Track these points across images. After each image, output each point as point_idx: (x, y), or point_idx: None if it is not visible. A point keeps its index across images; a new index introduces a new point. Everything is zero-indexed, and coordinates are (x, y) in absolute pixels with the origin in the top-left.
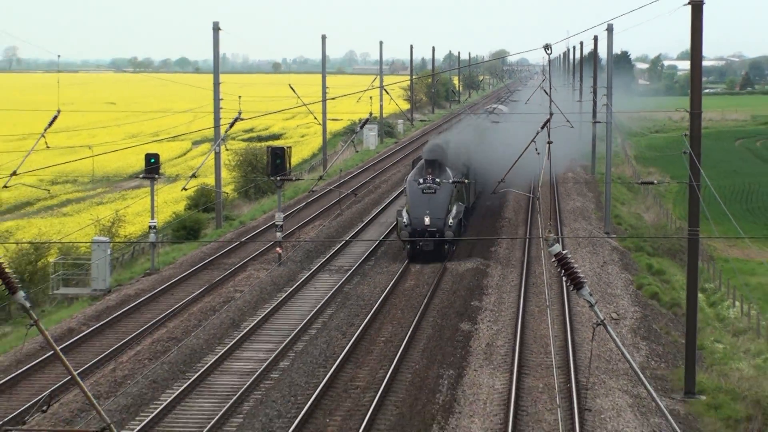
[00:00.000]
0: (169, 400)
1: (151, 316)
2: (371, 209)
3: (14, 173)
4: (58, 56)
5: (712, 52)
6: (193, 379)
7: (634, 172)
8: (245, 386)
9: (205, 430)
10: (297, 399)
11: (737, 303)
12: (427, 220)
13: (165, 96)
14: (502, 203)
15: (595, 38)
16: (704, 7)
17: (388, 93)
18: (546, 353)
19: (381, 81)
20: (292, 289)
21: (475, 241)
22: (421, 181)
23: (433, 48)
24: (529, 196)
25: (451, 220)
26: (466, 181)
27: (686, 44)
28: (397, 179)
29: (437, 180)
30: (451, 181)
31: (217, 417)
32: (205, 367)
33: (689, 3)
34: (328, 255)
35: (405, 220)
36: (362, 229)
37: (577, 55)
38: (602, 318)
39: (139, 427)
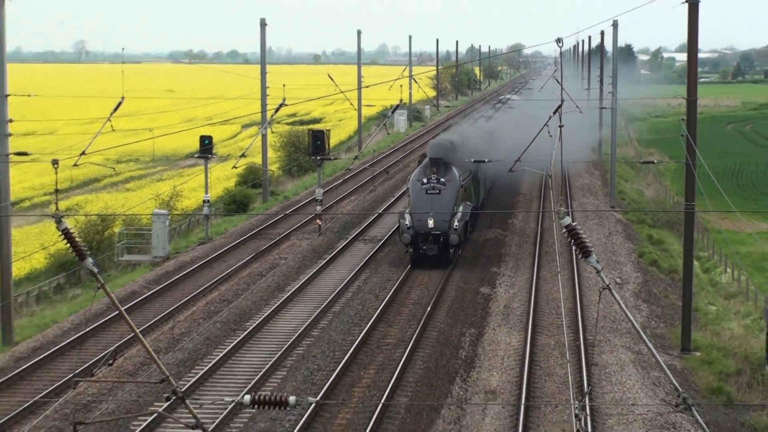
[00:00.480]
0: (221, 355)
1: (205, 280)
2: (401, 185)
3: (83, 153)
4: (122, 49)
5: (707, 45)
6: (242, 336)
7: (636, 153)
8: (289, 343)
9: (253, 381)
10: (335, 354)
11: (728, 270)
12: (430, 223)
13: (217, 84)
14: (518, 182)
15: (602, 33)
16: (699, 4)
17: (416, 82)
18: (557, 314)
19: (410, 71)
20: (330, 256)
21: (494, 214)
22: (424, 180)
23: (457, 42)
24: (542, 174)
25: (456, 223)
26: (487, 160)
27: (684, 38)
28: None
29: (442, 180)
30: (472, 160)
31: (263, 370)
32: (253, 326)
33: (686, 1)
34: (362, 226)
35: (407, 222)
36: (393, 203)
37: (586, 48)
38: (607, 283)
39: (194, 379)
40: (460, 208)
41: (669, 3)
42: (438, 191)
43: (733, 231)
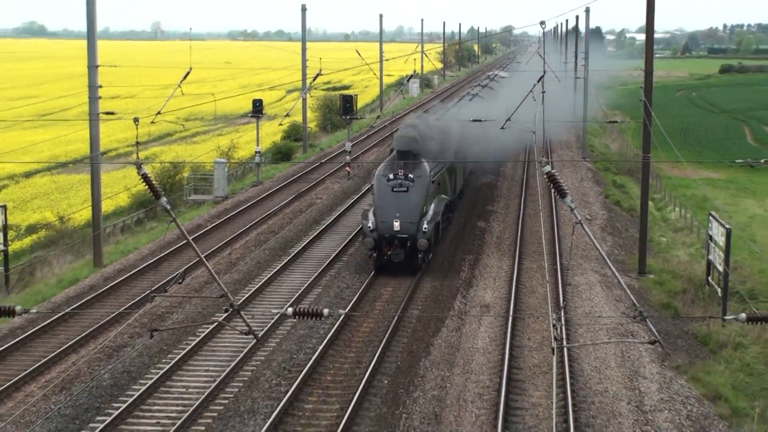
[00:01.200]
0: (269, 275)
1: (256, 215)
2: None
3: (159, 113)
4: (190, 29)
5: (661, 27)
6: (286, 260)
7: (604, 114)
8: (323, 265)
9: (295, 296)
10: (360, 275)
11: (677, 209)
12: (396, 225)
13: (267, 58)
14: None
15: (577, 17)
16: None
17: (427, 56)
18: (539, 243)
19: (422, 47)
20: (357, 196)
21: (490, 163)
22: (390, 176)
23: (460, 24)
24: (527, 130)
25: (425, 225)
26: (484, 119)
27: (643, 21)
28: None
29: (410, 176)
30: (472, 119)
31: (303, 287)
32: (295, 252)
33: None
34: None
35: (370, 224)
36: None
37: (565, 29)
38: (579, 218)
39: (247, 295)
40: (432, 207)
41: None
42: (405, 189)
43: (681, 178)
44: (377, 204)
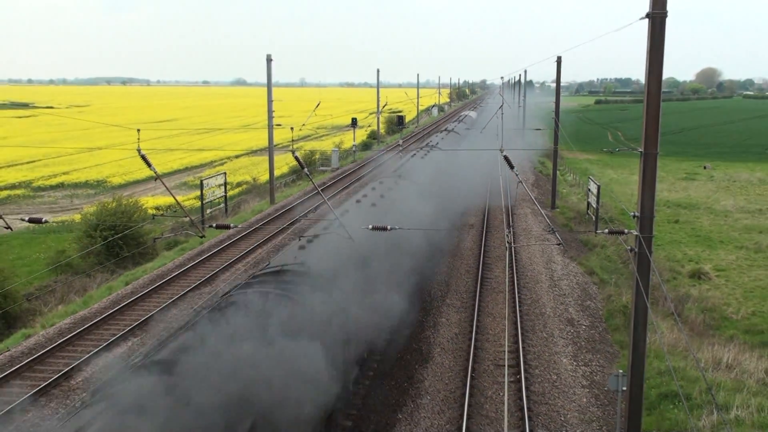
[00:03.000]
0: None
1: (354, 177)
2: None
3: (303, 125)
4: (318, 81)
5: (564, 79)
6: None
7: (534, 125)
8: None
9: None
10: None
11: (571, 174)
12: None
13: (358, 95)
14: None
15: (520, 74)
16: (563, 61)
17: (441, 95)
18: (498, 193)
19: (439, 90)
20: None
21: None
22: None
23: (459, 78)
24: (487, 126)
25: None
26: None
27: (554, 75)
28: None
29: None
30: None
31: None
32: None
33: (556, 60)
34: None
35: None
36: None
37: (514, 81)
38: (520, 180)
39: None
40: None
41: (551, 59)
42: None
43: (574, 158)
44: None
